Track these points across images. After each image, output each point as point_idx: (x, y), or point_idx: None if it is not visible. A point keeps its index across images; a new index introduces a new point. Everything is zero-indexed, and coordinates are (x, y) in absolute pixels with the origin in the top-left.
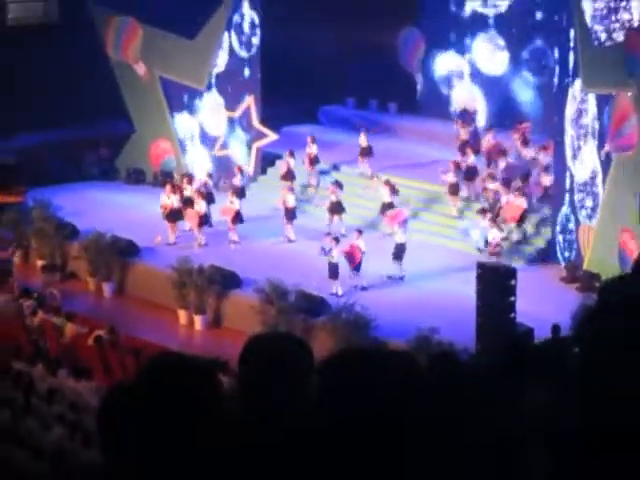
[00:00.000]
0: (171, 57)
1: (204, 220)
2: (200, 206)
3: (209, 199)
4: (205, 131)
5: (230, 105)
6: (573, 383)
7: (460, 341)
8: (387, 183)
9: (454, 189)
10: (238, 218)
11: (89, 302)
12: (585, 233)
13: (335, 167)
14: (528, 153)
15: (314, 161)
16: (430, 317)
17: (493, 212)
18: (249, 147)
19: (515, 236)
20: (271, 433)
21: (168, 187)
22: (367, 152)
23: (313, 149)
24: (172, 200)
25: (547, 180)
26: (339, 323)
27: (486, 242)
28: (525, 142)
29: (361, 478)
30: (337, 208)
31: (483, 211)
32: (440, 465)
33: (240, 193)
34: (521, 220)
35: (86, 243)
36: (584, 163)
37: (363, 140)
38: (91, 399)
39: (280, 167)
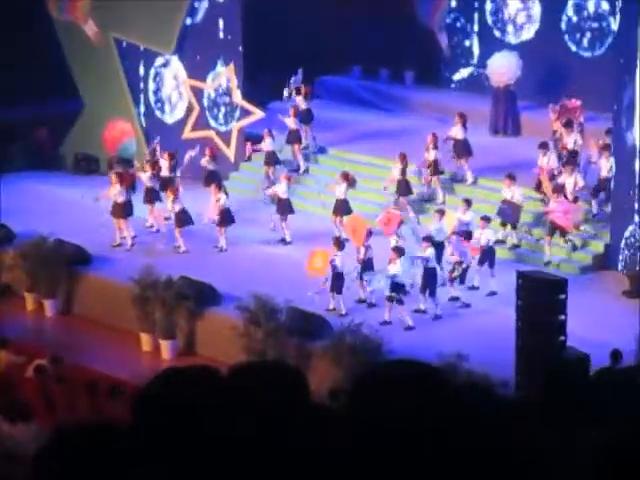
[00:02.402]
0: (129, 14)
1: (184, 219)
2: (174, 201)
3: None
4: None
5: (199, 74)
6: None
7: (495, 371)
8: (345, 177)
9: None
10: (228, 218)
11: (27, 324)
12: None
13: (321, 149)
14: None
15: (294, 139)
16: (456, 340)
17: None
18: (225, 128)
19: (512, 239)
20: None
21: (113, 177)
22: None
23: (291, 124)
24: (117, 191)
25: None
26: (343, 348)
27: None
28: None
29: None
30: (342, 207)
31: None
32: None
33: (220, 185)
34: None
35: (23, 249)
36: None
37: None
38: (30, 447)
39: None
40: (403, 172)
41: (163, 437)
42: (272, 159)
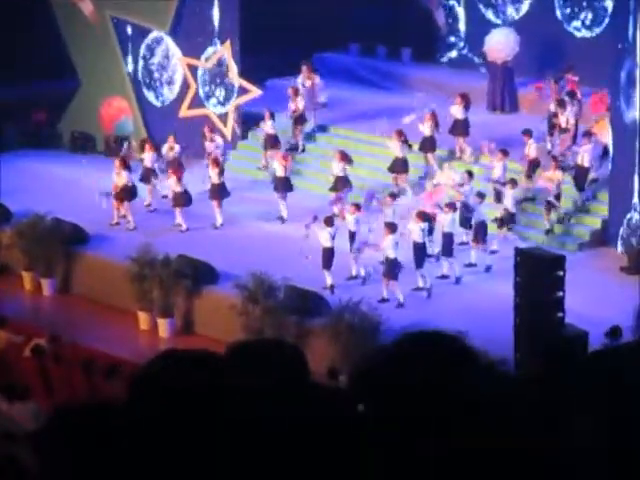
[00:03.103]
0: None
1: (186, 200)
2: (174, 181)
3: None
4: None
5: (195, 52)
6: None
7: (494, 348)
8: (343, 156)
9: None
10: (222, 193)
11: (25, 303)
12: None
13: (323, 128)
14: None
15: (299, 119)
16: (454, 318)
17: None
18: (222, 106)
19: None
20: None
21: (117, 163)
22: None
23: (298, 104)
24: (124, 177)
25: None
26: (341, 326)
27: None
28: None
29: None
30: (341, 184)
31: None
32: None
33: (216, 162)
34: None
35: (20, 228)
36: None
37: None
38: (29, 425)
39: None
40: (402, 149)
41: (160, 418)
42: (272, 142)
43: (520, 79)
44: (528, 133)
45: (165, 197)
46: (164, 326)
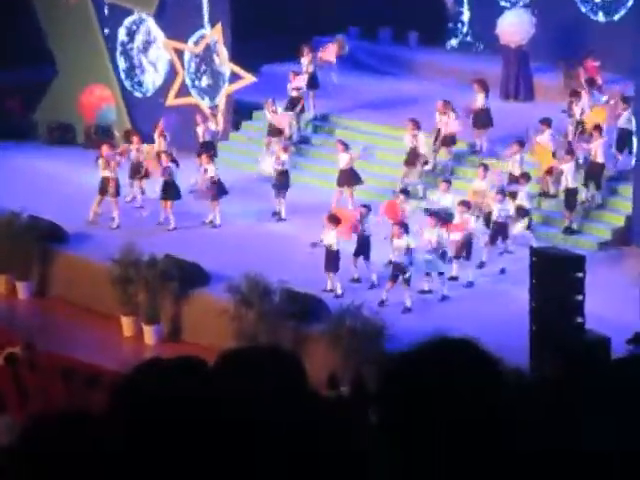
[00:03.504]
0: None
1: (174, 193)
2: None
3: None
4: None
5: (182, 36)
6: None
7: (507, 356)
8: (341, 144)
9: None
10: (220, 190)
11: None
12: None
13: (324, 117)
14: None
15: (297, 106)
16: (463, 322)
17: None
18: (214, 95)
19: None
20: None
21: (102, 163)
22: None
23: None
24: (111, 170)
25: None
26: (342, 332)
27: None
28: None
29: None
30: (346, 178)
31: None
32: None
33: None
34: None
35: None
36: None
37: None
38: (2, 438)
39: (261, 120)
40: (414, 140)
41: (143, 430)
42: (276, 131)
43: (536, 64)
44: (547, 122)
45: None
46: (150, 333)
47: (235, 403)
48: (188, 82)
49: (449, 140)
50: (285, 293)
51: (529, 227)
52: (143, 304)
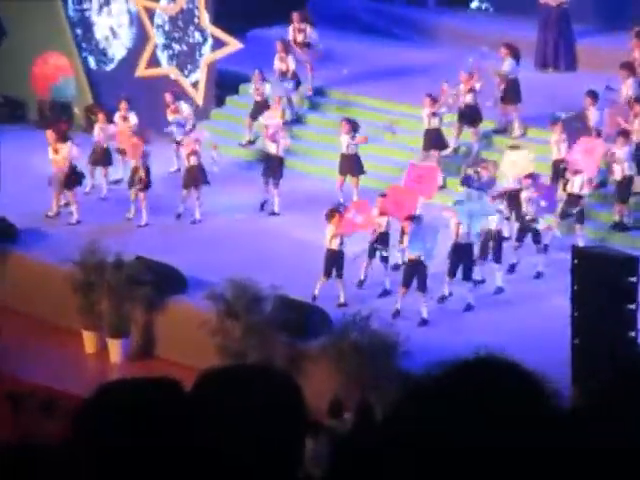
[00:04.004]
0: None
1: (146, 183)
2: (140, 163)
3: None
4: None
5: None
6: None
7: (545, 375)
8: (347, 123)
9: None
10: (202, 179)
11: None
12: None
13: (320, 91)
14: None
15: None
16: (492, 336)
17: None
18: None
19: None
20: None
21: (49, 135)
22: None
23: (289, 64)
24: (66, 152)
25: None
26: (346, 348)
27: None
28: None
29: None
30: (349, 164)
31: None
32: None
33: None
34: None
35: None
36: None
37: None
38: None
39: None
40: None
41: (107, 463)
42: (261, 110)
43: (579, 27)
44: (593, 96)
45: (118, 182)
46: (116, 348)
47: (215, 431)
48: (159, 50)
49: (474, 118)
50: (278, 301)
51: (581, 221)
52: (108, 315)
